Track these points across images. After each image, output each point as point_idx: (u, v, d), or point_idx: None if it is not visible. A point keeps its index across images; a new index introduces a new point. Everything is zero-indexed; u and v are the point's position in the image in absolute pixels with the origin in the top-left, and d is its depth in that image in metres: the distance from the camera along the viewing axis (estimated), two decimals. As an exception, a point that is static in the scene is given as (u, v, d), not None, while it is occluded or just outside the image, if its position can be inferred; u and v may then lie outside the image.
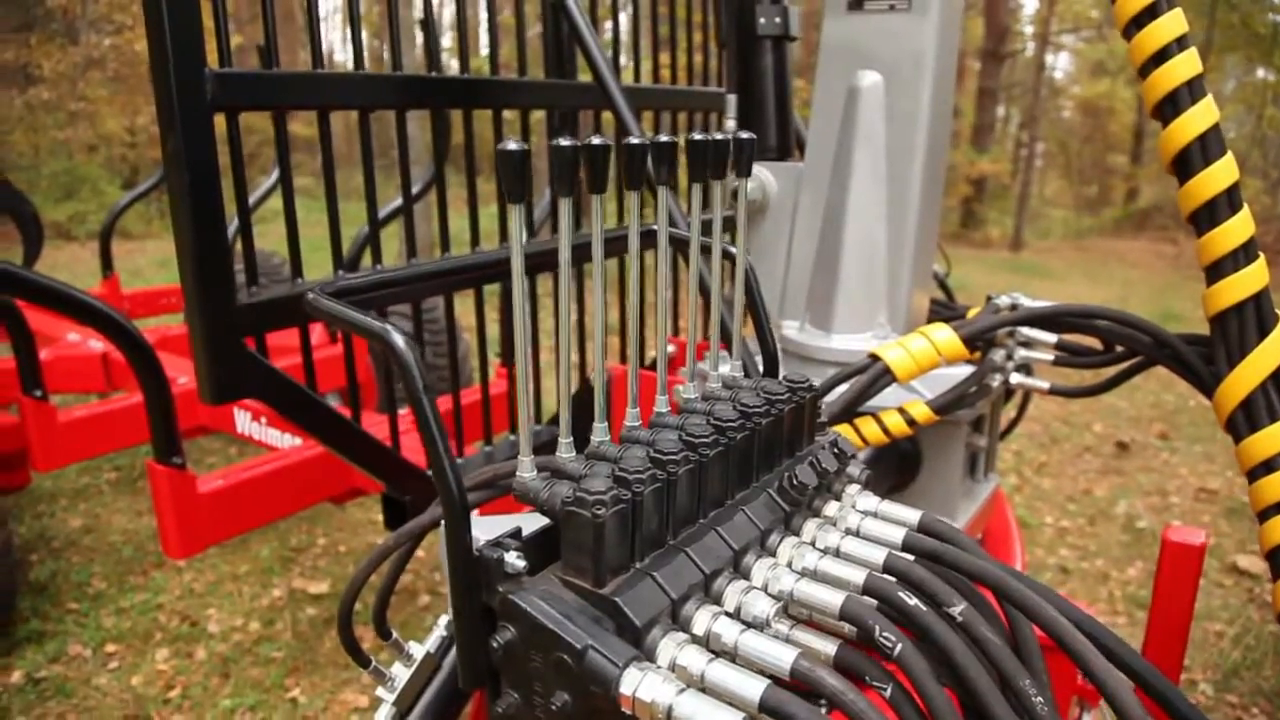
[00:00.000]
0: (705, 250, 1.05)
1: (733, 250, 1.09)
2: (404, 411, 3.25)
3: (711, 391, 1.03)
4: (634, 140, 0.81)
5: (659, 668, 0.70)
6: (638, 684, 0.67)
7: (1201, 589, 3.79)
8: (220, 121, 1.53)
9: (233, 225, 4.71)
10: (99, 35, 17.72)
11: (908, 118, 1.68)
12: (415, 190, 3.74)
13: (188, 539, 2.63)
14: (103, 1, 17.27)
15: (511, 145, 0.72)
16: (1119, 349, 1.61)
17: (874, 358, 1.54)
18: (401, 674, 1.28)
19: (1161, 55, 1.32)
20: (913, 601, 0.81)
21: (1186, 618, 1.50)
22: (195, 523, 2.63)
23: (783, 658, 0.72)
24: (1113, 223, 22.28)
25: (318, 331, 4.73)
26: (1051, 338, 1.68)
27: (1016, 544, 2.18)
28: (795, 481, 0.92)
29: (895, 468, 1.75)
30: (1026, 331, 1.70)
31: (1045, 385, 1.72)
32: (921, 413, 1.55)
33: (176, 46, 1.37)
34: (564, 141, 0.74)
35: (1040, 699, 0.78)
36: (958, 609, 0.82)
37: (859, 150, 1.73)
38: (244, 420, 3.57)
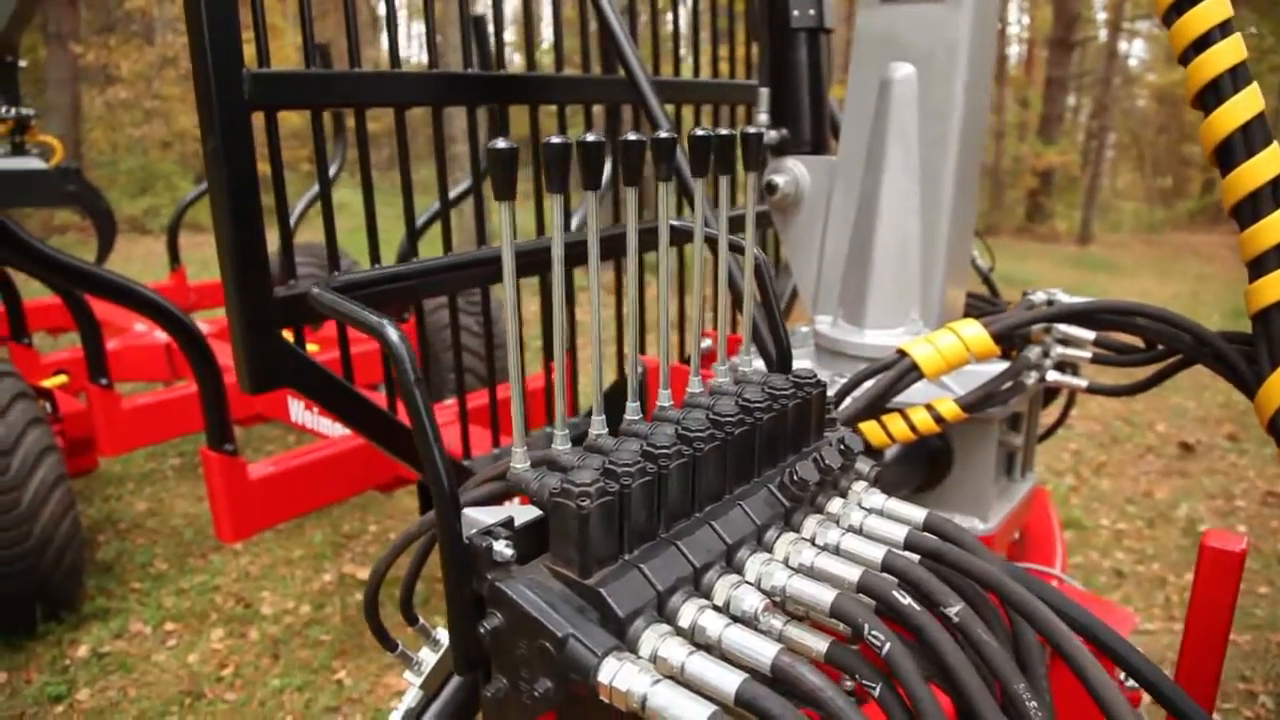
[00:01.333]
0: (737, 247, 1.05)
1: (743, 244, 1.08)
2: (449, 403, 3.32)
3: (719, 386, 1.03)
4: (631, 137, 0.82)
5: (639, 658, 0.71)
6: (615, 673, 0.68)
7: (1266, 598, 3.65)
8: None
9: (295, 215, 4.82)
10: (175, 34, 18.37)
11: (941, 110, 1.65)
12: (465, 186, 3.80)
13: (239, 523, 2.73)
14: (178, 2, 17.87)
15: (500, 144, 0.73)
16: (1161, 347, 1.56)
17: (901, 353, 1.52)
18: (429, 658, 1.30)
19: (1203, 41, 1.28)
20: (906, 600, 0.80)
21: (1225, 627, 1.45)
22: (246, 508, 2.72)
23: (764, 653, 0.72)
24: (1187, 215, 21.47)
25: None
26: (1089, 335, 1.64)
27: (1058, 544, 2.13)
28: (796, 477, 0.91)
29: (926, 465, 1.73)
30: (1064, 329, 1.66)
31: (1082, 383, 1.68)
32: (949, 410, 1.53)
33: (215, 48, 1.42)
34: (555, 139, 0.75)
35: (1034, 704, 0.77)
36: (954, 609, 0.81)
37: (891, 143, 1.71)
38: (297, 409, 3.68)
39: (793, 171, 1.93)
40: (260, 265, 1.57)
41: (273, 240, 1.75)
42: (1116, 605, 1.74)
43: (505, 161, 0.73)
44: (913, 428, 1.54)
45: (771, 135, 1.93)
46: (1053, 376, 1.69)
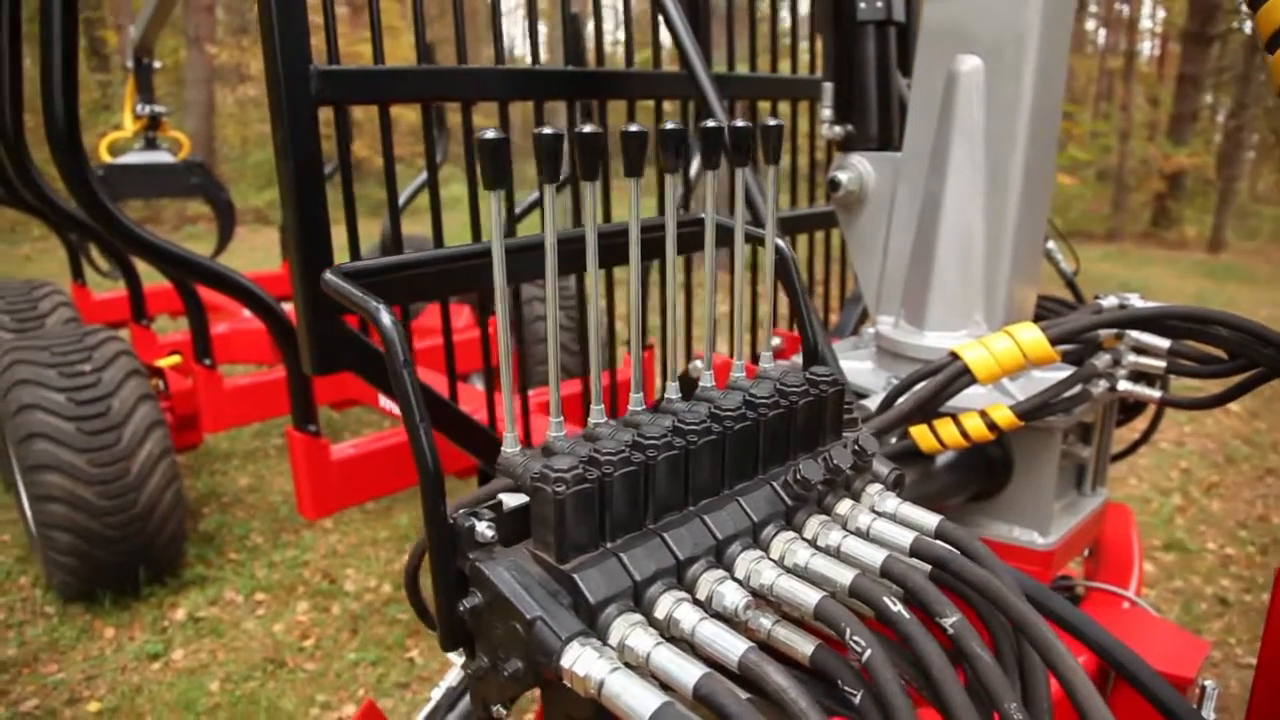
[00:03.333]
0: (755, 241, 1.04)
1: (774, 239, 1.07)
2: (531, 392, 3.37)
3: (734, 381, 1.02)
4: (633, 128, 0.82)
5: (604, 645, 0.71)
6: (576, 658, 0.68)
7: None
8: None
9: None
10: (301, 36, 19.31)
11: (1008, 104, 1.58)
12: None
13: (320, 501, 2.86)
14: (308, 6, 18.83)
15: (489, 134, 0.75)
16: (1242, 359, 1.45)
17: (953, 356, 1.47)
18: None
19: (1292, 29, 1.18)
20: (896, 608, 0.77)
21: (1303, 662, 1.34)
22: (327, 486, 2.85)
23: (732, 649, 0.71)
24: (1336, 222, 19.81)
25: (465, 314, 4.98)
26: (1165, 343, 1.54)
27: (1135, 564, 2.01)
28: (799, 475, 0.89)
29: (983, 473, 1.66)
30: (1139, 336, 1.57)
31: (1155, 394, 1.58)
32: (1004, 417, 1.46)
33: (284, 45, 1.49)
34: (546, 130, 0.76)
35: (1026, 723, 0.73)
36: (949, 620, 0.78)
37: (957, 139, 1.65)
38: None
39: (857, 168, 1.88)
40: (323, 252, 1.64)
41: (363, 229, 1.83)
42: (1186, 633, 1.63)
43: (495, 152, 0.75)
44: (965, 434, 1.49)
45: (836, 131, 1.88)
46: (1124, 386, 1.59)
